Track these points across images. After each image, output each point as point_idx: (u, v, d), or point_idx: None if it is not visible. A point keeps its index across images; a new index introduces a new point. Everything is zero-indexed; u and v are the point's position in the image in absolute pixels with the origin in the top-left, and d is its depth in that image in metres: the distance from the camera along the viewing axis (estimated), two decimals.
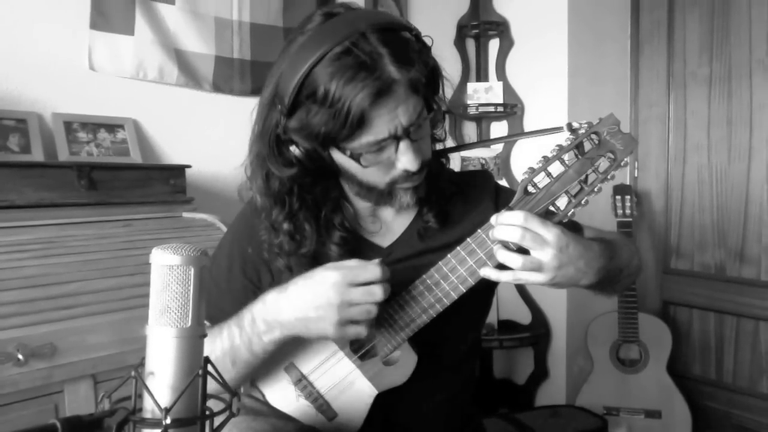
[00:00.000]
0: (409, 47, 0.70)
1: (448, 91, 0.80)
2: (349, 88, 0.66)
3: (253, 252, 0.83)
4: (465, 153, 2.16)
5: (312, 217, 0.79)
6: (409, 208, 0.83)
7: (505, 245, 0.69)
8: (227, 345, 0.74)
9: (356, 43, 0.66)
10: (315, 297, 0.68)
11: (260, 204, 0.80)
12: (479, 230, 0.71)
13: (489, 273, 0.70)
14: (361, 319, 0.68)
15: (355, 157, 0.71)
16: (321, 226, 0.79)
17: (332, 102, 0.67)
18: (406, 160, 0.71)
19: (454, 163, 2.12)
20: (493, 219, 0.70)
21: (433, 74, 0.75)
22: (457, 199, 0.85)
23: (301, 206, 0.78)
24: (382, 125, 0.68)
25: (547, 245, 0.67)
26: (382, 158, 0.72)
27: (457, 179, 0.88)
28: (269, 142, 0.75)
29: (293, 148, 0.74)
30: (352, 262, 0.69)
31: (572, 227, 0.86)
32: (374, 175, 0.74)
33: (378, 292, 0.67)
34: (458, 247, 0.72)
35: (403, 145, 0.70)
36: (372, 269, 0.68)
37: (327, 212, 0.80)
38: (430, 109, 0.75)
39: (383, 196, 0.77)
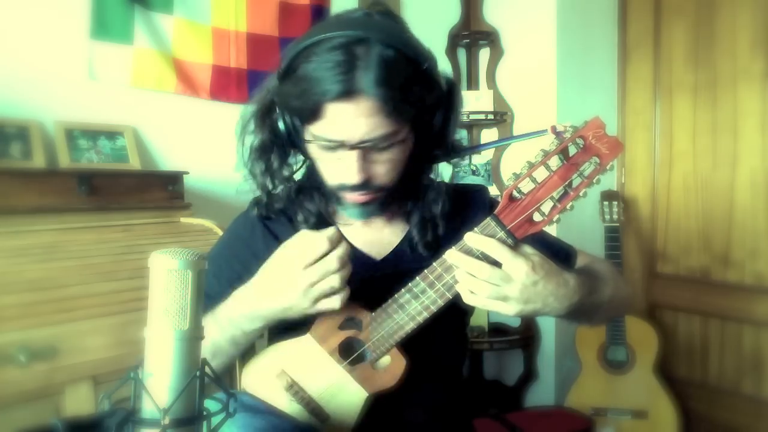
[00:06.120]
0: (404, 73, 0.68)
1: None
2: (320, 77, 0.67)
3: (240, 265, 0.84)
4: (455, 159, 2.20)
5: (289, 180, 0.81)
6: (395, 223, 0.84)
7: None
8: (207, 343, 0.75)
9: (355, 43, 0.67)
10: (281, 286, 0.69)
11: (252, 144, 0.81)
12: (464, 239, 0.71)
13: (462, 293, 0.70)
14: (329, 292, 0.68)
15: (308, 142, 0.73)
16: (294, 199, 0.82)
17: (303, 83, 0.68)
18: (345, 170, 0.71)
19: (445, 168, 2.15)
20: (467, 238, 0.70)
21: (433, 111, 0.74)
22: (450, 216, 0.84)
23: (280, 166, 0.80)
24: (336, 126, 0.69)
25: (513, 281, 0.67)
26: (330, 157, 0.73)
27: (452, 194, 0.86)
28: (262, 100, 0.78)
29: (278, 114, 0.76)
30: (302, 240, 0.69)
31: (565, 255, 0.85)
32: (324, 170, 0.76)
33: (333, 263, 0.67)
34: (444, 255, 0.71)
35: (350, 155, 0.70)
36: (319, 244, 0.67)
37: (303, 196, 0.81)
38: (428, 143, 0.74)
39: (333, 197, 0.78)
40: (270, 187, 0.81)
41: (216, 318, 0.76)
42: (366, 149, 0.71)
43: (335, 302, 0.70)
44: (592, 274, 0.79)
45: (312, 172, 0.82)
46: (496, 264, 0.68)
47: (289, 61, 0.71)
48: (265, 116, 0.78)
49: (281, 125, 0.76)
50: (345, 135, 0.69)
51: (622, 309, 0.88)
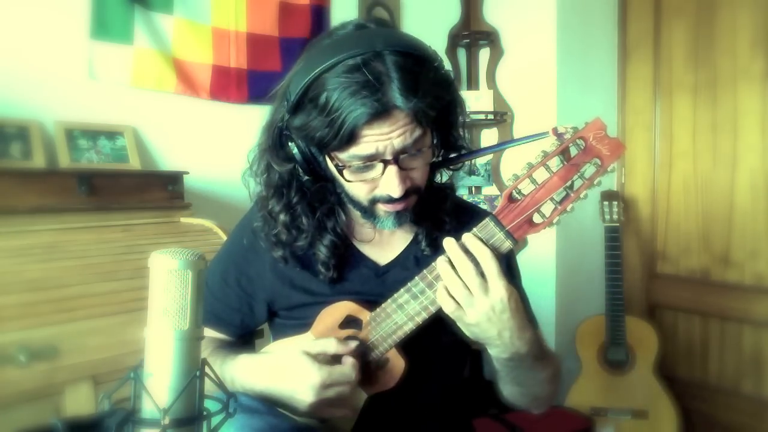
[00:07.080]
0: (423, 77, 0.68)
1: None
2: (348, 102, 0.65)
3: (248, 265, 0.84)
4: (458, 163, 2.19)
5: (310, 212, 0.79)
6: (402, 230, 0.83)
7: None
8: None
9: (370, 60, 0.66)
10: (292, 392, 0.70)
11: (260, 192, 0.81)
12: (462, 239, 0.70)
13: (438, 289, 0.70)
14: (335, 405, 0.72)
15: (340, 169, 0.72)
16: (315, 225, 0.80)
17: (330, 111, 0.66)
18: (388, 185, 0.71)
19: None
20: (465, 238, 0.70)
21: (447, 109, 0.74)
22: (456, 229, 0.84)
23: (300, 200, 0.79)
24: (371, 146, 0.68)
25: (486, 298, 0.67)
26: (366, 176, 0.72)
27: (460, 208, 0.87)
28: (272, 135, 0.76)
29: (292, 146, 0.74)
30: (333, 370, 0.70)
31: (529, 320, 0.84)
32: (357, 190, 0.75)
33: (347, 392, 0.71)
34: (442, 255, 0.71)
35: (390, 170, 0.70)
36: (347, 374, 0.70)
37: (321, 214, 0.80)
38: (443, 141, 0.75)
39: (365, 212, 0.77)
40: (288, 221, 0.79)
41: (223, 368, 0.77)
42: (402, 160, 0.71)
43: (339, 413, 0.73)
44: (544, 348, 0.79)
45: (325, 194, 0.81)
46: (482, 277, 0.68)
47: (302, 92, 0.69)
48: (278, 152, 0.77)
49: (301, 157, 0.74)
50: (383, 151, 0.69)
51: (542, 401, 0.86)
